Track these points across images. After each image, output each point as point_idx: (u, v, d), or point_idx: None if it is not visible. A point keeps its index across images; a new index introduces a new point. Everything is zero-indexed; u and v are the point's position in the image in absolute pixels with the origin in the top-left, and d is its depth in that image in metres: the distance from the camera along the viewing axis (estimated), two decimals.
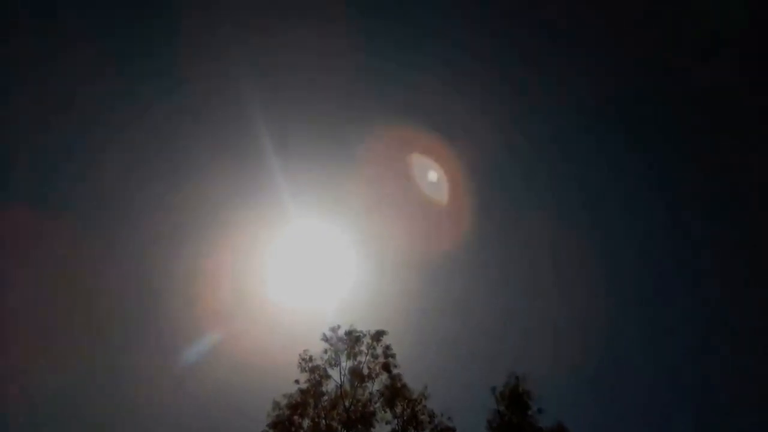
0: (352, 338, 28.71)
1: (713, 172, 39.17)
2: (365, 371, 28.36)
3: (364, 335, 28.79)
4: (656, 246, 40.73)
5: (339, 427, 27.81)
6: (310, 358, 28.59)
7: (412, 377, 28.78)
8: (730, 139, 38.19)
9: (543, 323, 35.92)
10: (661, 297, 38.88)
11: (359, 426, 27.77)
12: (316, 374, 28.43)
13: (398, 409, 28.41)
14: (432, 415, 28.23)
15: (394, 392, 27.94)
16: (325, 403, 28.20)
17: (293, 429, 27.23)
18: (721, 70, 38.38)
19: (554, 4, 39.58)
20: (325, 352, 28.57)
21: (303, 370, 28.43)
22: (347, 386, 28.34)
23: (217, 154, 38.79)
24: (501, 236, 40.62)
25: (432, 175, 38.28)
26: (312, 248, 36.09)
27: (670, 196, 41.45)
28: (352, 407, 28.10)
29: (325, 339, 28.74)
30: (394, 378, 28.26)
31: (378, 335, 28.80)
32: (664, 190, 41.64)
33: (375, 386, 28.30)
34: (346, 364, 28.61)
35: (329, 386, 28.38)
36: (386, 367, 28.38)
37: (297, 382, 28.38)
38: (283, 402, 27.68)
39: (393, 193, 38.32)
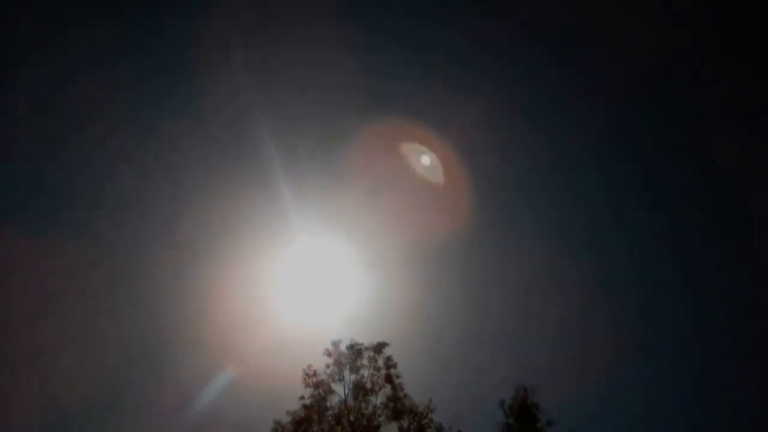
0: (354, 351, 28.59)
1: (713, 177, 38.54)
2: (368, 384, 28.18)
3: (366, 348, 28.62)
4: (659, 245, 40.19)
5: None
6: (314, 374, 28.49)
7: (417, 390, 28.67)
8: (733, 145, 37.52)
9: (548, 329, 35.26)
10: (669, 300, 38.18)
11: None
12: (321, 389, 28.29)
13: (405, 423, 28.11)
14: (440, 429, 27.90)
15: (396, 401, 27.83)
16: (330, 418, 28.02)
17: None
18: (723, 76, 37.96)
19: (554, 5, 39.20)
20: (328, 367, 28.47)
21: (307, 385, 28.32)
22: (351, 400, 28.12)
23: (221, 169, 38.69)
24: (503, 240, 40.14)
25: (437, 177, 37.90)
26: (313, 260, 35.79)
27: (670, 197, 40.89)
28: (357, 421, 27.84)
29: (328, 354, 28.66)
30: (395, 387, 28.08)
31: (379, 347, 28.68)
32: (664, 190, 41.10)
33: (379, 399, 28.16)
34: (349, 377, 28.50)
35: (333, 401, 28.28)
36: (389, 379, 28.21)
37: (302, 398, 28.31)
38: (287, 419, 27.61)
39: (395, 198, 37.83)
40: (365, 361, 28.45)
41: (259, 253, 35.38)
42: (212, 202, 36.83)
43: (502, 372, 32.02)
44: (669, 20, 38.67)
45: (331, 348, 28.64)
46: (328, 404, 28.14)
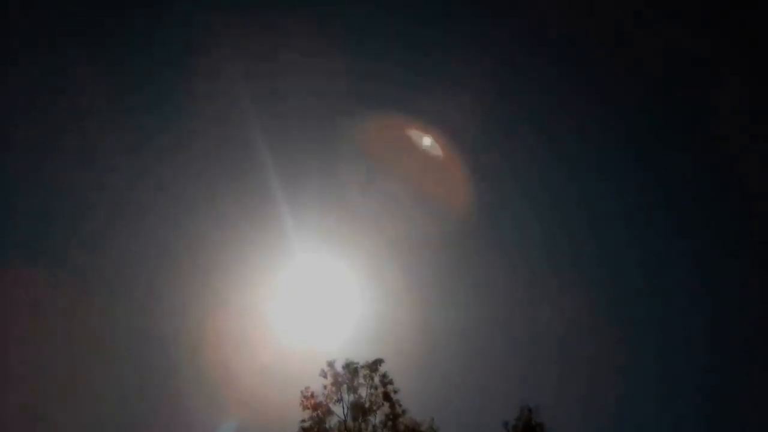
0: (351, 370, 28.20)
1: (722, 175, 37.67)
2: (366, 404, 27.75)
3: (362, 367, 28.25)
4: (664, 248, 39.05)
5: None
6: (312, 395, 28.14)
7: (419, 411, 28.30)
8: (734, 144, 36.78)
9: (554, 347, 34.23)
10: (683, 309, 36.86)
11: None
12: (319, 411, 27.92)
13: None
14: None
15: (395, 419, 27.42)
16: None
17: None
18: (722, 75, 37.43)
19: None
20: (325, 387, 28.12)
21: (305, 407, 27.97)
22: (350, 421, 27.70)
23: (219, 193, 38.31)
24: (507, 254, 39.31)
25: (439, 186, 37.47)
26: (311, 276, 35.13)
27: (678, 194, 39.99)
28: None
29: (324, 375, 28.31)
30: (393, 405, 27.68)
31: (375, 364, 28.30)
32: (672, 188, 40.19)
33: (378, 418, 27.70)
34: (347, 397, 28.10)
35: (332, 422, 27.87)
36: (387, 397, 27.77)
37: (303, 421, 27.93)
38: None
39: (395, 210, 37.31)
40: (362, 380, 28.14)
41: (255, 269, 35.03)
42: (208, 215, 36.72)
43: (505, 391, 31.40)
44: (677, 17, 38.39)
45: (326, 369, 28.33)
46: (327, 426, 27.75)
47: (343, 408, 27.96)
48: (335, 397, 27.99)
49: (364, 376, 28.10)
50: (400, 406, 27.69)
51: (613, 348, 33.71)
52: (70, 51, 37.29)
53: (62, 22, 37.60)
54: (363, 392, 28.00)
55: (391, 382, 27.95)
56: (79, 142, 37.32)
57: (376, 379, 28.03)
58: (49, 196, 36.89)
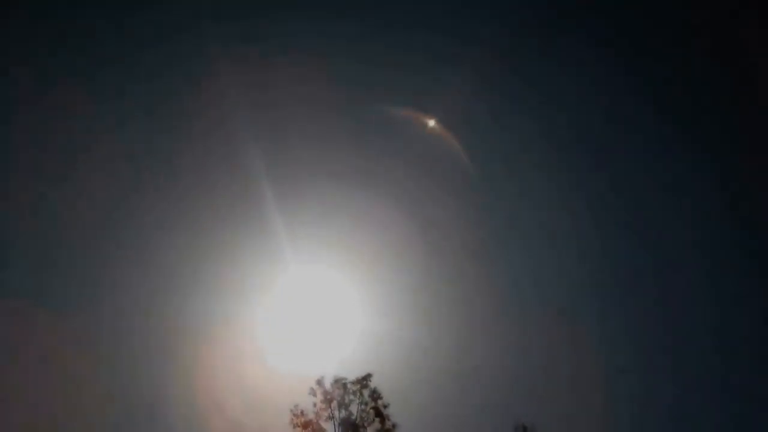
0: (340, 386, 28.03)
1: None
2: (357, 420, 27.58)
3: (352, 382, 28.10)
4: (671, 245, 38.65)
5: None
6: (302, 413, 27.95)
7: (412, 427, 28.27)
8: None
9: (550, 364, 33.83)
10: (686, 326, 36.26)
11: None
12: (310, 428, 27.73)
13: None
14: None
15: None
16: None
17: None
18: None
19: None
20: (314, 405, 27.97)
21: (295, 426, 27.77)
22: None
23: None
24: (505, 268, 38.71)
25: (441, 197, 37.34)
26: (304, 292, 34.60)
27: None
28: None
29: (313, 393, 28.11)
30: (383, 420, 27.55)
31: (364, 380, 28.17)
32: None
33: None
34: (338, 413, 27.92)
35: None
36: (377, 412, 27.64)
37: None
38: None
39: (393, 217, 36.84)
40: (352, 396, 27.99)
41: (249, 281, 34.45)
42: (202, 224, 36.23)
43: (500, 409, 31.13)
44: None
45: (315, 387, 28.15)
46: None
47: (334, 425, 27.83)
48: (326, 415, 27.87)
49: (354, 392, 28.00)
50: (389, 420, 27.62)
51: (610, 363, 33.53)
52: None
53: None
54: (354, 408, 27.93)
55: (380, 397, 27.89)
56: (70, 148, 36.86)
57: (366, 395, 27.94)
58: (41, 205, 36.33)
